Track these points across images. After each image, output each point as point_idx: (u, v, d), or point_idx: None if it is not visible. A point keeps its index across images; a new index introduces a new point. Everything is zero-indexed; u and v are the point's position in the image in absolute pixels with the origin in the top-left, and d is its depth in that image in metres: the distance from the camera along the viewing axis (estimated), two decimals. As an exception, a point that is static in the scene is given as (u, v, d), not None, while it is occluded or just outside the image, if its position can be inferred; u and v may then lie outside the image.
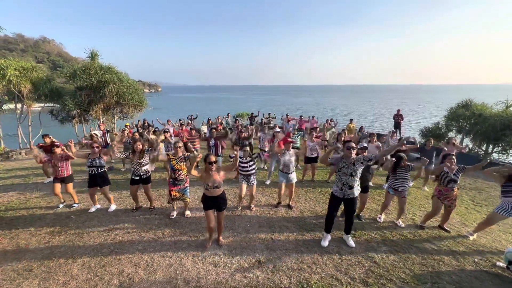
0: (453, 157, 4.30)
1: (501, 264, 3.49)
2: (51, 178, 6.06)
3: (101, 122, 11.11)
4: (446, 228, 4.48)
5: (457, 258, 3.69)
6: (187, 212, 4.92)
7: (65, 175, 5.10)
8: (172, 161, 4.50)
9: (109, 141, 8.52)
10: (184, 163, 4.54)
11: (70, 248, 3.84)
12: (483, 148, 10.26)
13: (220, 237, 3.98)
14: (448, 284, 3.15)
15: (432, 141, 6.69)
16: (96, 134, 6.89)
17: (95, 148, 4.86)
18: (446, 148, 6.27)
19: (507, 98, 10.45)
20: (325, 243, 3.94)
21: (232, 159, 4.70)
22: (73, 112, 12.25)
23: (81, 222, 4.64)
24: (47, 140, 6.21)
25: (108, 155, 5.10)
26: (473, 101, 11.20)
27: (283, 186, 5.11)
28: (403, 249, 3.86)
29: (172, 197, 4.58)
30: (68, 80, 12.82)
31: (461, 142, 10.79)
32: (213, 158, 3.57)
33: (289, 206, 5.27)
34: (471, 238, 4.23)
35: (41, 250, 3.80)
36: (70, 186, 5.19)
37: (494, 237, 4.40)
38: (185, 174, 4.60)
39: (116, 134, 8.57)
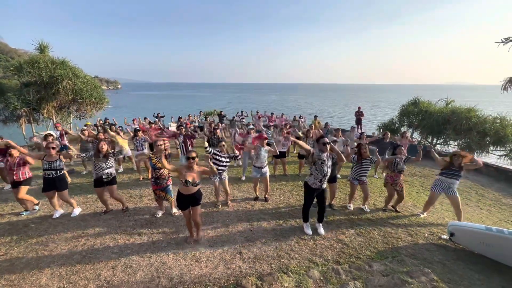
0: (403, 148, 5.05)
1: (445, 236, 4.14)
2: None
3: (57, 122, 10.09)
4: (397, 209, 5.13)
5: (411, 234, 4.26)
6: (174, 210, 4.82)
7: (22, 179, 4.64)
8: (152, 159, 4.37)
9: (67, 143, 7.81)
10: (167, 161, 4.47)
11: (33, 258, 3.52)
12: (429, 140, 11.71)
13: (199, 234, 3.97)
14: (405, 257, 3.64)
15: (389, 134, 7.49)
16: (51, 134, 6.23)
17: (51, 149, 4.44)
18: (399, 141, 7.09)
19: (447, 97, 12.05)
20: (309, 230, 4.20)
21: (206, 151, 4.72)
22: (19, 111, 10.90)
23: (43, 229, 4.26)
24: (1, 142, 5.43)
25: (69, 157, 4.74)
26: (420, 99, 12.65)
27: (258, 180, 5.29)
28: (367, 231, 4.32)
29: (158, 196, 4.52)
30: (12, 74, 11.35)
31: (412, 135, 12.15)
32: (193, 154, 3.57)
33: (265, 199, 5.48)
34: (422, 216, 4.92)
35: (-3, 263, 3.43)
36: (24, 189, 4.69)
37: (439, 215, 5.15)
38: (167, 173, 4.51)
39: (73, 134, 7.89)
